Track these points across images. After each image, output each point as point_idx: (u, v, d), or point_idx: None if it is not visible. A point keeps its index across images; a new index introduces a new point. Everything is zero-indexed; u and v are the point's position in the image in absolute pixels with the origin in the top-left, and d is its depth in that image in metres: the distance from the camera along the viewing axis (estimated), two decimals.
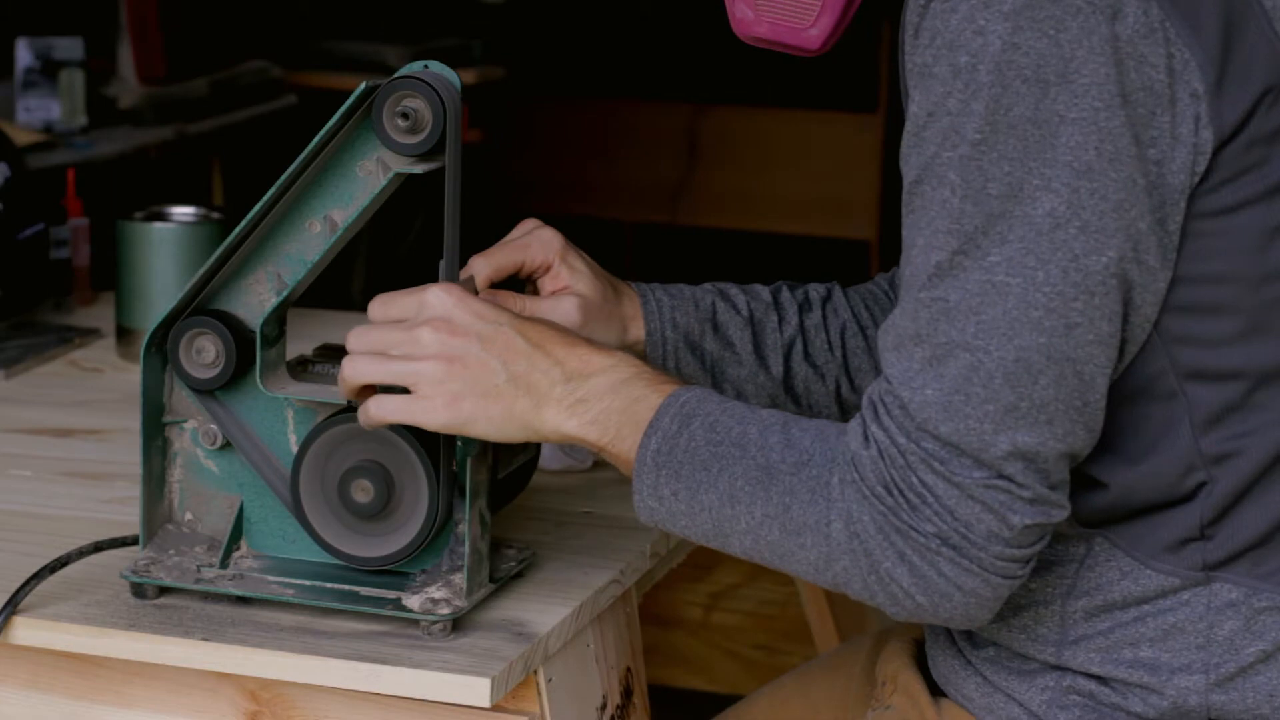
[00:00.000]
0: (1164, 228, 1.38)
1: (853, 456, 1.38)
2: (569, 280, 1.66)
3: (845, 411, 1.74)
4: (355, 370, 1.48)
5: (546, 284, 1.67)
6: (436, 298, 1.48)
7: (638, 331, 1.70)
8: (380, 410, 1.47)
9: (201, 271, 1.53)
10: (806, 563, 1.40)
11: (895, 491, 1.36)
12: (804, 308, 1.74)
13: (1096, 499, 1.44)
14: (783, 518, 1.40)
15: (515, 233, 1.68)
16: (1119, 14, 1.34)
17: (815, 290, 1.76)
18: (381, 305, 1.50)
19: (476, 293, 1.59)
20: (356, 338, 1.49)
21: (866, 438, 1.38)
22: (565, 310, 1.65)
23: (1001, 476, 1.34)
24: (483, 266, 1.62)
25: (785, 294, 1.75)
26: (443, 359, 1.46)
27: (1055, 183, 1.33)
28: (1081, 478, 1.42)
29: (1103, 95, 1.33)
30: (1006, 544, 1.35)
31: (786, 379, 1.72)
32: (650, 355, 1.69)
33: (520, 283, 1.67)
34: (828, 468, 1.39)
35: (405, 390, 1.47)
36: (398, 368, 1.47)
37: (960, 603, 1.37)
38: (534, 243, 1.66)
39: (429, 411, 1.46)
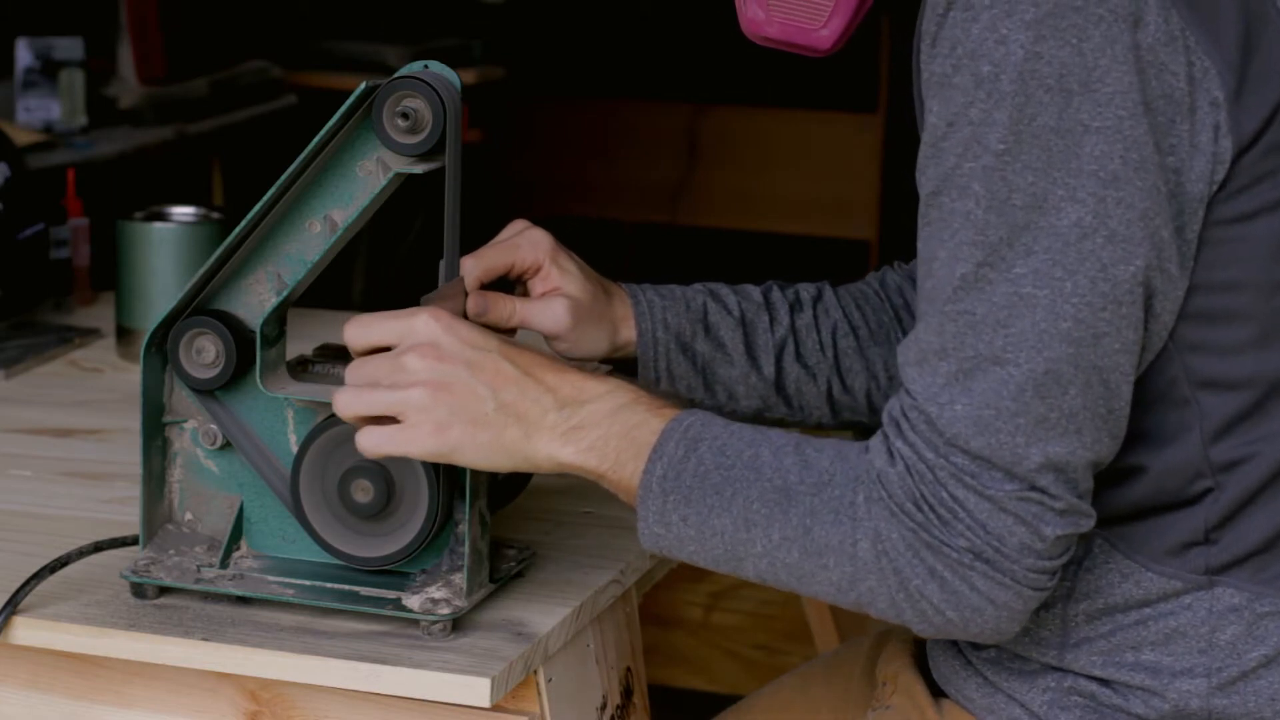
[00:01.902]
0: (1182, 236, 1.37)
1: (878, 474, 1.37)
2: (559, 281, 1.65)
3: (836, 412, 1.74)
4: (342, 406, 1.46)
5: (536, 285, 1.66)
6: (424, 324, 1.46)
7: (629, 333, 1.69)
8: (366, 442, 1.45)
9: (201, 271, 1.53)
10: (829, 584, 1.39)
11: (925, 507, 1.35)
12: (795, 308, 1.73)
13: (1102, 498, 1.43)
14: (803, 539, 1.38)
15: (505, 233, 1.66)
16: (1140, 22, 1.33)
17: (806, 290, 1.76)
18: (358, 329, 1.48)
19: (466, 294, 1.58)
20: (351, 372, 1.47)
21: (891, 454, 1.37)
22: (555, 312, 1.64)
23: (1034, 489, 1.34)
24: (472, 267, 1.60)
25: (776, 294, 1.74)
26: (429, 386, 1.44)
27: (1081, 192, 1.33)
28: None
29: (1126, 104, 1.33)
30: (1039, 556, 1.34)
31: (778, 379, 1.72)
32: (641, 356, 1.68)
33: (510, 284, 1.66)
34: (851, 487, 1.37)
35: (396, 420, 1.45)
36: (384, 398, 1.45)
37: (992, 616, 1.36)
38: (524, 243, 1.65)
39: (414, 441, 1.44)
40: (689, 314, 1.70)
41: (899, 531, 1.35)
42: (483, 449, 1.45)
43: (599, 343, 1.66)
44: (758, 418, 1.72)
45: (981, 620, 1.36)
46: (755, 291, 1.74)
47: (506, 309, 1.61)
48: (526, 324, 1.62)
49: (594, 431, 1.45)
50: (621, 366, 1.69)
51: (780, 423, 1.73)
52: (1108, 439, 1.37)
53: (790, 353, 1.72)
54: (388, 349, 1.47)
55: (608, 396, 1.46)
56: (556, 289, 1.65)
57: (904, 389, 1.38)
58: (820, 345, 1.73)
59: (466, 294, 1.58)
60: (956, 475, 1.34)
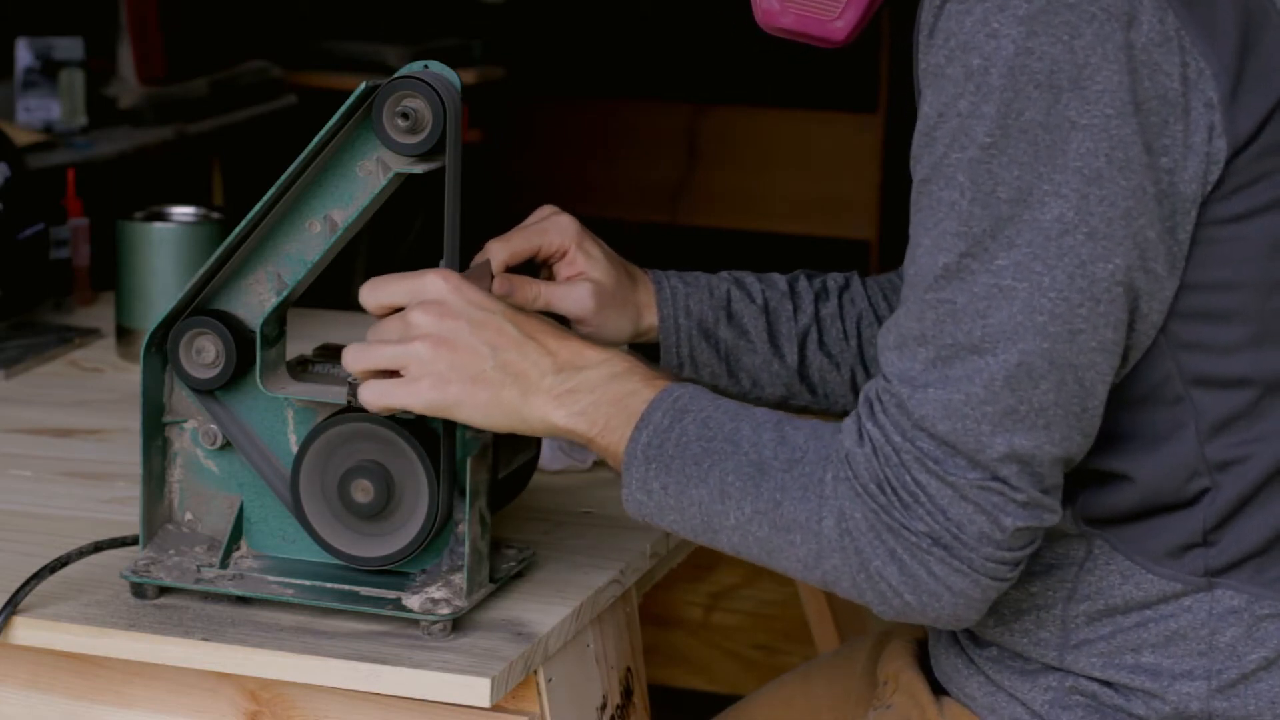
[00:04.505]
0: (1174, 236, 1.37)
1: (846, 454, 1.38)
2: (584, 266, 1.67)
3: None
4: (349, 359, 1.48)
5: (562, 270, 1.68)
6: (432, 282, 1.48)
7: (652, 318, 1.71)
8: (367, 395, 1.47)
9: (201, 271, 1.53)
10: (795, 559, 1.40)
11: (888, 489, 1.35)
12: (820, 297, 1.75)
13: (1100, 498, 1.43)
14: (773, 514, 1.40)
15: (532, 218, 1.69)
16: (1134, 22, 1.33)
17: (834, 279, 1.77)
18: (371, 290, 1.50)
19: (493, 276, 1.60)
20: (370, 333, 1.49)
21: (861, 435, 1.38)
22: (579, 296, 1.65)
23: (996, 478, 1.34)
24: (499, 250, 1.63)
25: (802, 283, 1.75)
26: (431, 340, 1.46)
27: (1064, 188, 1.33)
28: (1087, 475, 1.42)
29: (1115, 103, 1.33)
30: (997, 546, 1.35)
31: (801, 368, 1.73)
32: (664, 342, 1.70)
33: (535, 268, 1.68)
34: (821, 465, 1.39)
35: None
36: (387, 351, 1.47)
37: (949, 603, 1.37)
38: (550, 228, 1.67)
39: (414, 394, 1.46)
40: (712, 301, 1.72)
41: (862, 511, 1.36)
42: (480, 407, 1.46)
43: (623, 328, 1.68)
44: (783, 405, 1.73)
45: (939, 605, 1.37)
46: (781, 280, 1.76)
47: (531, 292, 1.63)
48: (551, 307, 1.65)
49: (587, 397, 1.46)
50: (646, 352, 1.71)
51: (805, 410, 1.75)
52: (1079, 437, 1.37)
53: (814, 341, 1.73)
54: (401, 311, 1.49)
55: (604, 364, 1.47)
56: (581, 273, 1.67)
57: (881, 372, 1.39)
58: (844, 334, 1.74)
59: (493, 276, 1.60)
60: (921, 459, 1.35)
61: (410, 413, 1.49)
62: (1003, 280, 1.34)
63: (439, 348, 1.46)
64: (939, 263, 1.36)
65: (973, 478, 1.34)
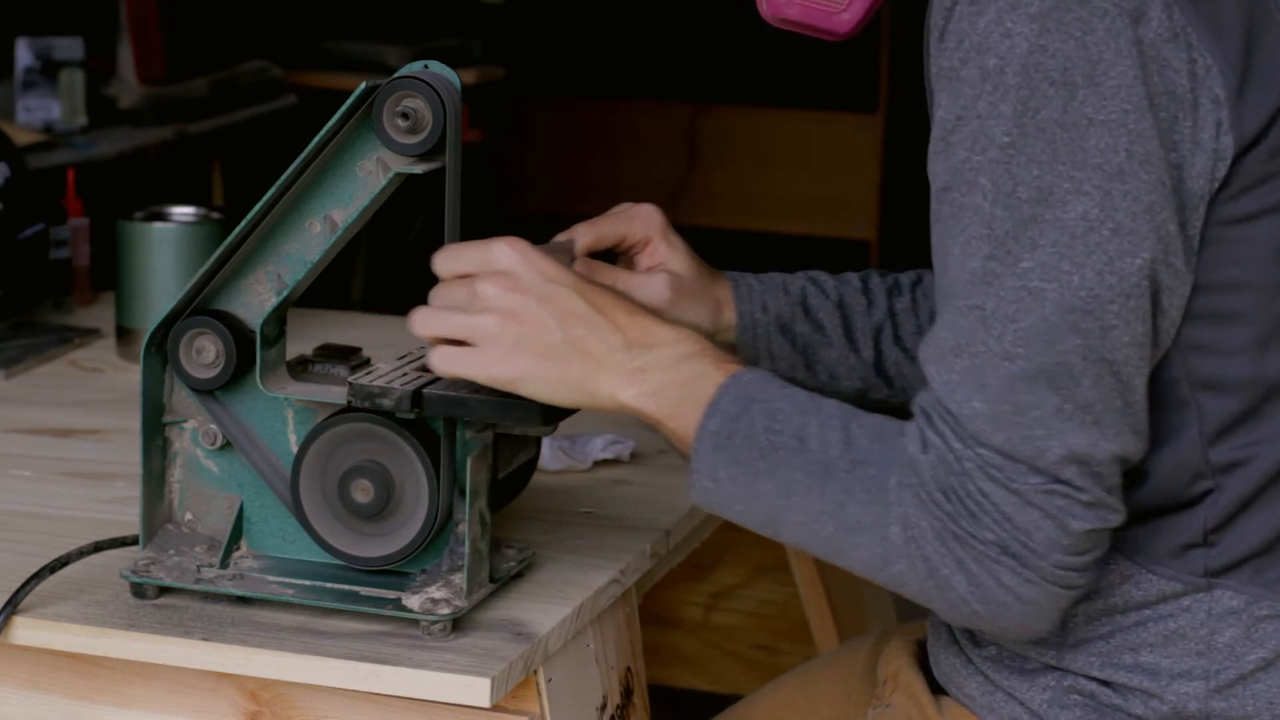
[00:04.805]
0: (1185, 232, 1.37)
1: (910, 460, 1.37)
2: (665, 256, 1.68)
3: None
4: (418, 323, 1.47)
5: (643, 260, 1.68)
6: (501, 252, 1.47)
7: (730, 315, 1.72)
8: (437, 360, 1.46)
9: (201, 271, 1.53)
10: (861, 561, 1.40)
11: (954, 498, 1.35)
12: (893, 292, 1.75)
13: None
14: (838, 515, 1.39)
15: (618, 208, 1.69)
16: (1142, 17, 1.34)
17: (905, 276, 1.78)
18: (445, 259, 1.49)
19: (574, 258, 1.60)
20: (435, 294, 1.49)
21: (924, 443, 1.37)
22: (657, 286, 1.66)
23: (1059, 481, 1.34)
24: (585, 233, 1.64)
25: (875, 279, 1.77)
26: (499, 313, 1.45)
27: (1086, 185, 1.33)
28: None
29: (1131, 97, 1.33)
30: (1066, 551, 1.34)
31: (877, 361, 1.73)
32: (741, 338, 1.71)
33: (614, 257, 1.68)
34: (885, 470, 1.38)
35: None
36: (456, 320, 1.46)
37: (1019, 612, 1.36)
38: (636, 216, 1.68)
39: (481, 364, 1.45)
40: (788, 297, 1.73)
41: (928, 520, 1.35)
42: (547, 381, 1.45)
43: (700, 321, 1.68)
44: (861, 397, 1.74)
45: (1008, 615, 1.36)
46: (854, 277, 1.77)
47: (609, 278, 1.63)
48: (628, 295, 1.64)
49: (657, 376, 1.45)
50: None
51: (882, 403, 1.75)
52: (1129, 433, 1.36)
53: (888, 336, 1.74)
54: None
55: (675, 344, 1.47)
56: (662, 264, 1.68)
57: (929, 386, 1.38)
58: (919, 328, 1.74)
59: (574, 258, 1.60)
60: (983, 468, 1.34)
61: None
62: (1030, 282, 1.33)
63: (507, 321, 1.45)
64: (968, 268, 1.35)
65: (1035, 483, 1.33)
